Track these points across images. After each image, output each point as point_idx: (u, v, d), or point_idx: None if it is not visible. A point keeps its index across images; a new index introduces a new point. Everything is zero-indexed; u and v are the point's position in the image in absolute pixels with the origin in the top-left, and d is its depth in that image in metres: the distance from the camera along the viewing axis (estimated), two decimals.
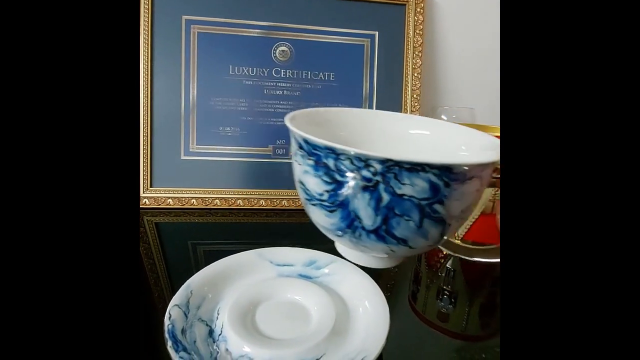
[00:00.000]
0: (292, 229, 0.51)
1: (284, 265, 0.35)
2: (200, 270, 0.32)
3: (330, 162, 0.16)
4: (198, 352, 0.24)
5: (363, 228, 0.17)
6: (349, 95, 0.57)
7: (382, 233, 0.17)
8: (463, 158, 0.23)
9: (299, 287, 0.31)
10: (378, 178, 0.15)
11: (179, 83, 0.54)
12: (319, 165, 0.17)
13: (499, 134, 0.48)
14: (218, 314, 0.29)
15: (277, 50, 0.56)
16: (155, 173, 0.53)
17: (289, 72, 0.56)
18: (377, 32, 0.58)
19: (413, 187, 0.15)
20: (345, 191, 0.17)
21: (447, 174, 0.14)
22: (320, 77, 0.57)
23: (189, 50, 0.54)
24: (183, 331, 0.26)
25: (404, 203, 0.15)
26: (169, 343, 0.24)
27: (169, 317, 0.26)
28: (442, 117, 0.60)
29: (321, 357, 0.24)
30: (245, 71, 0.55)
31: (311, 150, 0.18)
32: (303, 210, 0.58)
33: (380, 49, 0.58)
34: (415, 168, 0.14)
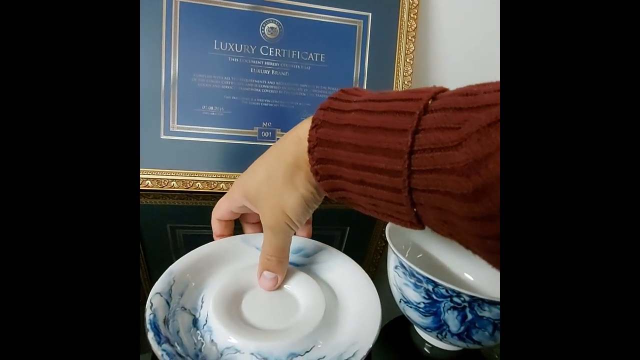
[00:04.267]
0: None
1: None
2: (183, 256, 0.30)
3: (430, 287, 0.23)
4: (182, 344, 0.23)
5: (449, 331, 0.23)
6: (339, 78, 0.55)
7: (463, 337, 0.23)
8: None
9: (287, 275, 0.30)
10: (466, 304, 0.22)
11: (159, 57, 0.51)
12: (419, 285, 0.23)
13: None
14: (202, 302, 0.27)
15: (266, 27, 0.53)
16: None
17: (278, 51, 0.54)
18: (370, 14, 0.55)
19: (491, 312, 0.21)
20: (439, 307, 0.23)
21: None
22: (310, 58, 0.55)
23: (171, 22, 0.51)
24: (165, 321, 0.24)
25: (483, 321, 0.22)
26: (151, 334, 0.22)
27: (151, 306, 0.24)
28: None
29: (311, 349, 0.23)
30: (231, 47, 0.52)
31: (413, 273, 0.23)
32: None
33: (373, 31, 0.56)
34: (495, 302, 0.21)
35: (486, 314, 0.21)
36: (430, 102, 0.17)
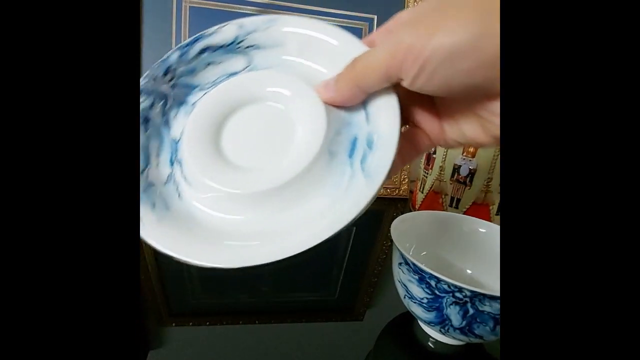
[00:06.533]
0: None
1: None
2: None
3: (432, 283, 0.24)
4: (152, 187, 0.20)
5: (452, 325, 0.24)
6: None
7: (465, 331, 0.24)
8: None
9: (286, 83, 0.21)
10: (467, 299, 0.23)
11: None
12: (422, 281, 0.24)
13: None
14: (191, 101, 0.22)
15: None
16: None
17: None
18: (375, 16, 0.56)
19: (491, 307, 0.22)
20: (441, 302, 0.24)
21: None
22: None
23: (180, 26, 0.52)
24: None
25: (484, 315, 0.23)
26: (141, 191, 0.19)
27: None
28: None
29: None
30: None
31: (417, 269, 0.24)
32: None
33: None
34: (495, 297, 0.22)
35: (487, 308, 0.22)
36: None
